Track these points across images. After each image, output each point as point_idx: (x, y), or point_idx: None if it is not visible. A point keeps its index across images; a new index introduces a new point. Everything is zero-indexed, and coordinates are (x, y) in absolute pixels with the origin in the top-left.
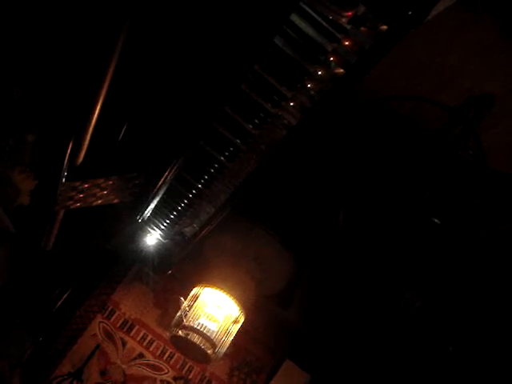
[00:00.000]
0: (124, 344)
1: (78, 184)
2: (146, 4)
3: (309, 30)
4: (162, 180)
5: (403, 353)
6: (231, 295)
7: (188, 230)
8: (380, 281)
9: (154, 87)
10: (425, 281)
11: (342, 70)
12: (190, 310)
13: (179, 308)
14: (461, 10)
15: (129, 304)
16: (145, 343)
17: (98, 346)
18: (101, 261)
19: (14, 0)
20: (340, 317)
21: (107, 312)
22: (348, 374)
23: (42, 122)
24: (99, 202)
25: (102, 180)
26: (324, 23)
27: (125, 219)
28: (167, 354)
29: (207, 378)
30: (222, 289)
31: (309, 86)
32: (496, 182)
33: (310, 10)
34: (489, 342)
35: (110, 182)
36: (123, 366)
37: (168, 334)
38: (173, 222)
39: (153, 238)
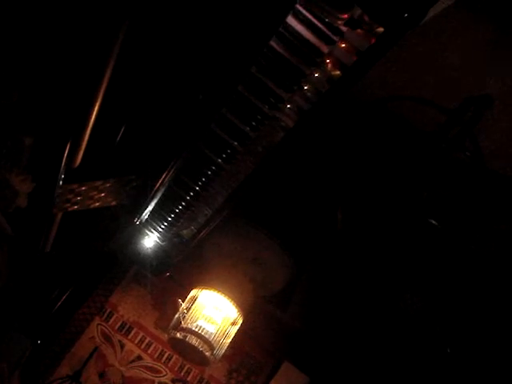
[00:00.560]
0: (122, 346)
1: (75, 186)
2: (144, 5)
3: (305, 33)
4: (160, 182)
5: (402, 354)
6: (229, 297)
7: (186, 232)
8: (379, 282)
9: (152, 89)
10: (423, 282)
11: (338, 72)
12: (188, 312)
13: (177, 310)
14: (459, 11)
15: (127, 306)
16: (143, 345)
17: (96, 349)
18: (99, 263)
19: (13, 0)
20: (339, 318)
21: (105, 314)
22: (347, 375)
23: (39, 124)
24: (97, 204)
25: (99, 182)
26: (320, 25)
27: (122, 221)
28: (165, 356)
29: (205, 380)
30: (220, 291)
31: (305, 88)
32: (494, 183)
33: (306, 13)
34: (488, 343)
35: (108, 185)
36: (121, 369)
37: (166, 336)
38: (171, 224)
39: (151, 240)
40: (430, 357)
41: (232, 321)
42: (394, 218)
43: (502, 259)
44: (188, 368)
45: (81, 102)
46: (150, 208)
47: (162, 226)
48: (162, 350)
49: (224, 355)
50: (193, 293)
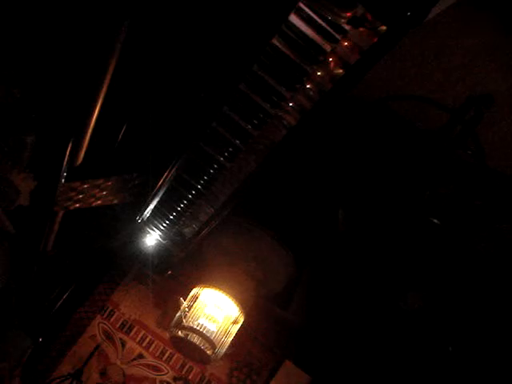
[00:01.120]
0: (123, 344)
1: (77, 185)
2: (145, 5)
3: (308, 31)
4: (162, 180)
5: (403, 353)
6: (231, 296)
7: (187, 231)
8: (380, 281)
9: (154, 88)
10: (424, 281)
11: (341, 71)
12: (189, 310)
13: (179, 308)
14: (462, 10)
15: (128, 305)
16: (144, 344)
17: (97, 347)
18: (100, 261)
19: (14, 0)
20: (340, 317)
21: (107, 313)
22: (348, 374)
23: (41, 122)
24: (98, 202)
25: (101, 181)
26: (323, 24)
27: (124, 220)
28: (167, 355)
29: (207, 379)
30: (221, 289)
31: (308, 86)
32: (496, 182)
33: (308, 11)
34: (488, 342)
35: (110, 183)
36: (123, 367)
37: (168, 334)
38: (172, 223)
39: (152, 238)
40: (432, 355)
41: (233, 319)
42: (395, 217)
43: (503, 258)
44: (189, 366)
45: (83, 100)
46: (151, 206)
47: (164, 225)
48: (164, 349)
49: (225, 354)
50: (194, 291)
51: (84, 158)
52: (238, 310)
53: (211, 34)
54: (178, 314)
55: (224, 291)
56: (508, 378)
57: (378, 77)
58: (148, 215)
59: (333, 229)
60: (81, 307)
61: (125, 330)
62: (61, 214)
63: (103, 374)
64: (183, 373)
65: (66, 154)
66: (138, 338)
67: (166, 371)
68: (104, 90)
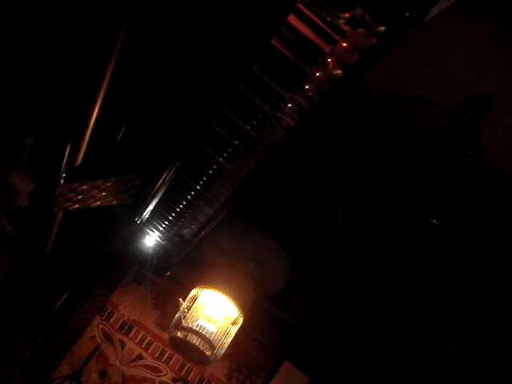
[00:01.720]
0: (123, 345)
1: (76, 185)
2: (144, 5)
3: (306, 31)
4: (161, 181)
5: (402, 353)
6: (230, 296)
7: (186, 232)
8: (379, 281)
9: (153, 88)
10: (423, 281)
11: (339, 72)
12: (188, 311)
13: (178, 309)
14: (461, 10)
15: (127, 305)
16: (143, 344)
17: (96, 348)
18: (99, 262)
19: (14, 0)
20: (339, 318)
21: (106, 314)
22: (347, 375)
23: (40, 123)
24: (98, 203)
25: (100, 181)
26: (322, 24)
27: (123, 221)
28: (166, 356)
29: (206, 380)
30: (220, 290)
31: (307, 87)
32: (495, 182)
33: (307, 11)
34: (488, 342)
35: (109, 184)
36: (122, 368)
37: (167, 335)
38: (171, 224)
39: (151, 239)
40: (431, 355)
41: (233, 320)
42: (394, 217)
43: (503, 259)
44: (189, 367)
45: (82, 100)
46: (150, 207)
47: (163, 226)
48: (163, 349)
49: (225, 354)
50: (193, 292)
51: (83, 159)
52: (238, 311)
53: (210, 35)
54: (177, 315)
55: (223, 292)
56: (508, 378)
57: (377, 77)
58: (147, 216)
59: (332, 229)
60: (80, 308)
61: (124, 330)
62: (60, 215)
63: (103, 374)
64: (183, 374)
65: (64, 155)
66: (138, 339)
67: (166, 372)
68: (103, 90)
